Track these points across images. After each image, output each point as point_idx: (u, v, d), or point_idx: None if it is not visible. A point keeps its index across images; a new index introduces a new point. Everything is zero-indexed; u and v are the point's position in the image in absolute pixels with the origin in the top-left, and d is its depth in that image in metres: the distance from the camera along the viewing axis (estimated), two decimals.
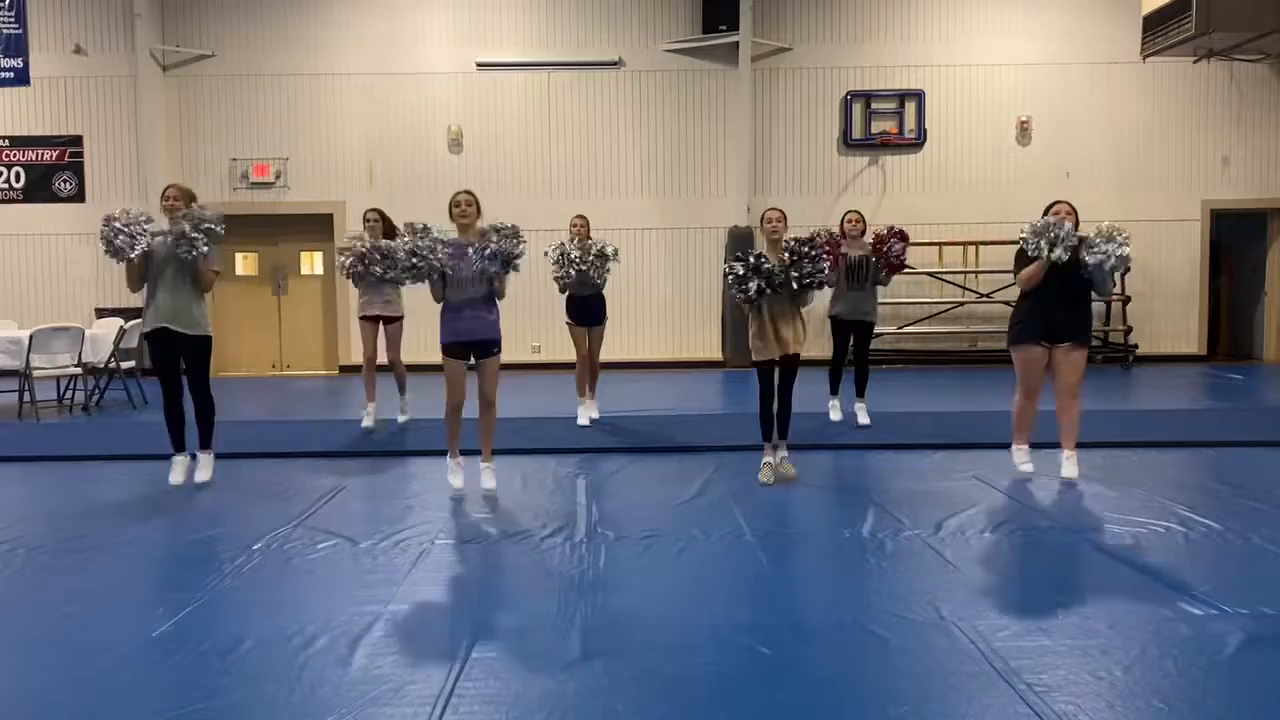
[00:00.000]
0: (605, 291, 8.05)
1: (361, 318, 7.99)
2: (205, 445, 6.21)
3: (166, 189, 6.03)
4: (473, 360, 5.81)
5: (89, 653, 3.48)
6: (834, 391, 8.09)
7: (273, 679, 3.21)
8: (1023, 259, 5.93)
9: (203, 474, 6.15)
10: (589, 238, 7.98)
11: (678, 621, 3.73)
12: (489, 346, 5.76)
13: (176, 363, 6.03)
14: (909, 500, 5.61)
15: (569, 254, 7.72)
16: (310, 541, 4.86)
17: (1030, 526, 5.13)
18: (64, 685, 3.22)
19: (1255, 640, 3.46)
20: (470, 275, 5.60)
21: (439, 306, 5.76)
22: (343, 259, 7.71)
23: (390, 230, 7.87)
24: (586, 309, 8.00)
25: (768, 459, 6.16)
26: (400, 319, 7.99)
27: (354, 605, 3.90)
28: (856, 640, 3.53)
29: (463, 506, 5.63)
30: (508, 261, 5.56)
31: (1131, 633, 3.54)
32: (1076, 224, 5.87)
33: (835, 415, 8.03)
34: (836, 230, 7.61)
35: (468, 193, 5.81)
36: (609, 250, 7.80)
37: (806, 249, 5.79)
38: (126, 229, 5.72)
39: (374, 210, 7.98)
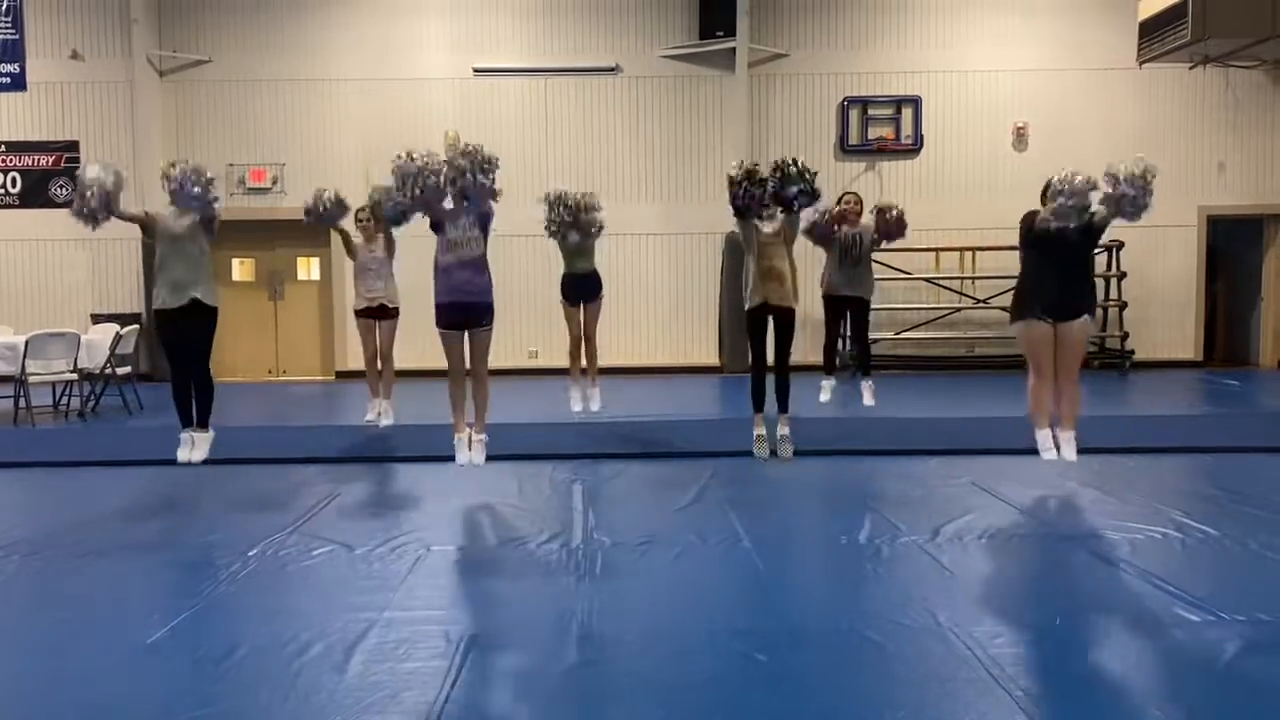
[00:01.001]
0: (601, 268, 8.00)
1: (358, 313, 8.06)
2: (202, 423, 6.19)
3: (168, 169, 6.09)
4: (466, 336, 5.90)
5: (83, 659, 3.47)
6: (828, 371, 7.86)
7: (267, 686, 3.20)
8: (1025, 225, 5.81)
9: (199, 452, 6.12)
10: None
11: (674, 627, 3.72)
12: (480, 315, 5.82)
13: (186, 340, 6.05)
14: (906, 506, 5.60)
15: (564, 200, 7.48)
16: (306, 547, 4.85)
17: (1027, 532, 5.13)
18: (57, 691, 3.21)
19: (1252, 647, 3.45)
20: (461, 237, 5.74)
21: (430, 293, 5.90)
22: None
23: (377, 229, 7.94)
24: (582, 285, 7.92)
25: (759, 430, 6.06)
26: (395, 313, 8.02)
27: (349, 612, 3.89)
28: (853, 646, 3.52)
29: (458, 513, 5.62)
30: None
31: (1128, 639, 3.53)
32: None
33: (825, 396, 7.79)
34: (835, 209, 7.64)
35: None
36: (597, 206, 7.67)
37: (797, 181, 5.83)
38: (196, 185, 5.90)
39: (365, 209, 8.00)
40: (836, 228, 7.42)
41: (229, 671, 3.33)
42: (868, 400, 7.69)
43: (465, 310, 5.83)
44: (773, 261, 6.07)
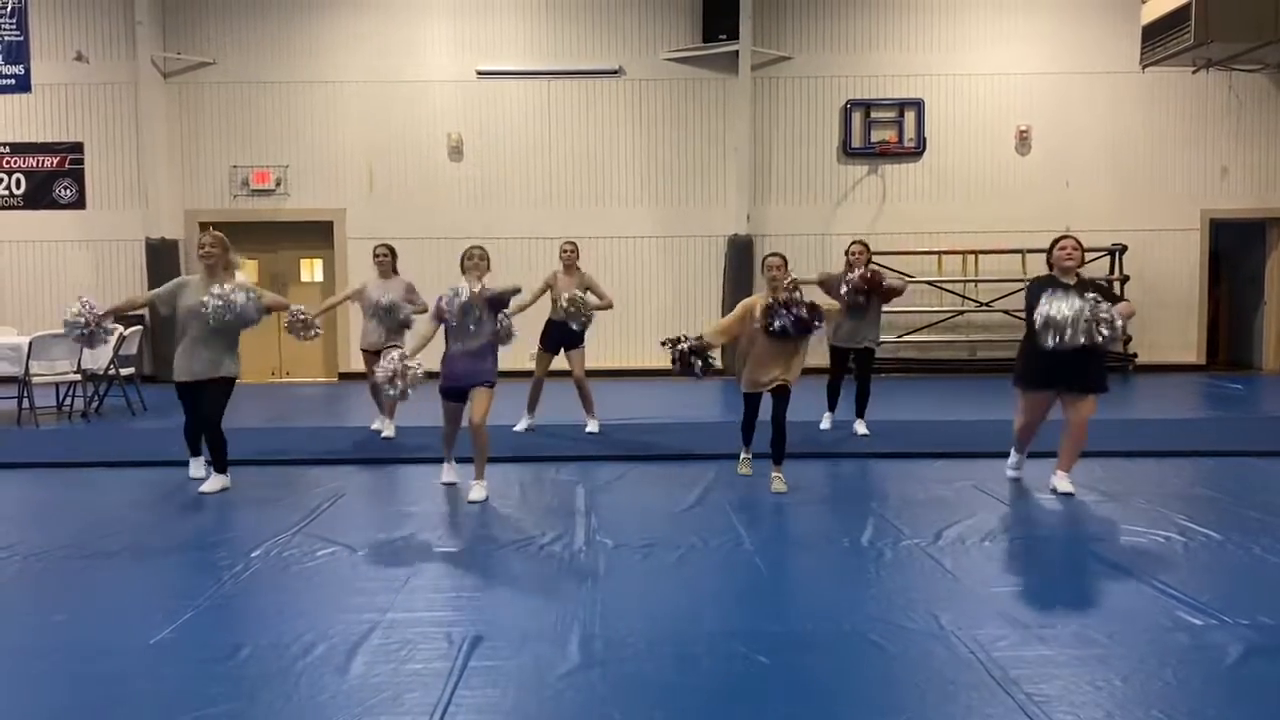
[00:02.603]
0: (603, 270, 8.22)
1: (363, 349, 8.06)
2: (218, 470, 6.23)
3: (202, 238, 6.17)
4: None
5: (86, 659, 3.47)
6: (831, 409, 8.16)
7: (270, 687, 3.21)
8: (1033, 295, 5.65)
9: (209, 486, 6.15)
10: (577, 264, 8.12)
11: (676, 630, 3.72)
12: (481, 382, 5.89)
13: (199, 401, 6.12)
14: (908, 509, 5.60)
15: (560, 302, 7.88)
16: (309, 549, 4.86)
17: (1029, 536, 5.13)
18: (60, 692, 3.22)
19: (1255, 650, 3.45)
20: (469, 327, 5.78)
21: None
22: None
23: (395, 265, 8.05)
24: (561, 333, 8.07)
25: (745, 455, 6.26)
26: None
27: (352, 613, 3.90)
28: (855, 649, 3.52)
29: (461, 514, 5.63)
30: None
31: (1131, 642, 3.53)
32: (1082, 258, 5.82)
33: (825, 424, 8.10)
34: (843, 264, 7.90)
35: (480, 249, 6.00)
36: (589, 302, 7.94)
37: (786, 308, 5.94)
38: (88, 328, 6.34)
39: (384, 246, 8.08)
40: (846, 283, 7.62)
41: (232, 672, 3.34)
42: (861, 431, 7.92)
43: (466, 389, 5.88)
44: (777, 359, 6.11)
